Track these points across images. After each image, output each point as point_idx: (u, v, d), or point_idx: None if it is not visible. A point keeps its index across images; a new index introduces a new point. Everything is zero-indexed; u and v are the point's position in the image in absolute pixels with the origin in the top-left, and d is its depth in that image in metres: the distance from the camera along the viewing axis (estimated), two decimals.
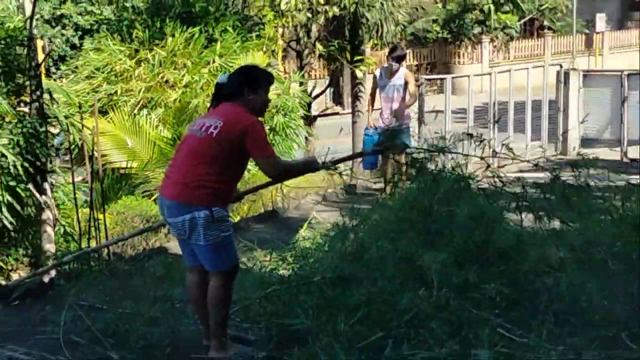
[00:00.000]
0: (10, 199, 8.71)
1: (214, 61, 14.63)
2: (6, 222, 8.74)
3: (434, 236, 5.92)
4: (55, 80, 18.55)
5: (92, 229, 8.73)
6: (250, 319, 5.75)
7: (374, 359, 4.43)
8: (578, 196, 9.04)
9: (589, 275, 6.45)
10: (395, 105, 11.48)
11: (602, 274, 6.56)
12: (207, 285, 5.22)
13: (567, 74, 19.11)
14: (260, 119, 5.21)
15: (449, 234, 5.88)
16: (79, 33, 26.45)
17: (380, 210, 6.80)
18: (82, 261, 7.62)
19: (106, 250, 8.47)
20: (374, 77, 12.09)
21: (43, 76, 9.43)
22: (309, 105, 19.10)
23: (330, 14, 17.59)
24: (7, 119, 8.87)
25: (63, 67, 20.64)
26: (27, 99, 9.07)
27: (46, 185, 9.02)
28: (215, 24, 15.36)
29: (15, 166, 8.53)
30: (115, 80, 14.97)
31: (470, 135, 6.85)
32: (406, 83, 11.57)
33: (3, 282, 8.53)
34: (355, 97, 19.76)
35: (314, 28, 17.90)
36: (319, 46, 18.83)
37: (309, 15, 17.21)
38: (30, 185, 8.87)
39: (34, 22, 9.09)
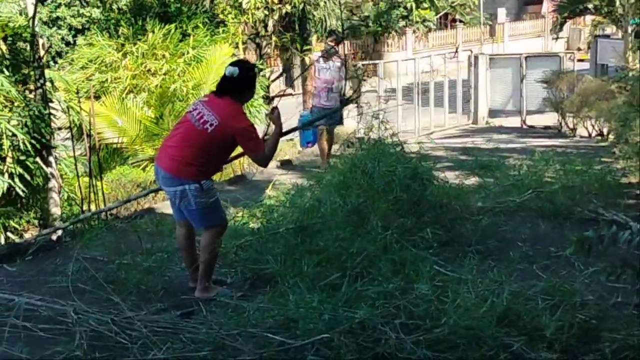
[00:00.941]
0: (21, 170, 8.53)
1: (188, 52, 14.41)
2: (18, 190, 8.55)
3: (376, 192, 5.86)
4: (58, 71, 18.14)
5: (92, 194, 8.59)
6: (227, 265, 5.66)
7: (333, 295, 4.36)
8: (490, 157, 9.12)
9: (504, 220, 6.51)
10: (334, 86, 10.45)
11: (513, 219, 6.62)
12: (193, 237, 5.22)
13: (476, 58, 19.20)
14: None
15: (389, 190, 5.83)
16: (73, 32, 25.89)
17: (331, 172, 6.73)
18: (84, 221, 7.47)
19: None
20: (312, 61, 10.95)
21: (47, 66, 9.18)
22: (268, 87, 18.96)
23: (284, 11, 17.42)
24: (15, 104, 8.62)
25: (60, 61, 20.22)
26: (32, 87, 8.83)
27: (51, 159, 8.81)
28: (188, 22, 15.12)
29: (24, 143, 8.36)
30: (106, 70, 14.71)
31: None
32: (342, 65, 10.48)
33: (18, 240, 8.31)
34: (305, 80, 19.61)
35: (270, 23, 17.69)
36: (274, 38, 18.66)
37: (266, 12, 17.04)
38: (37, 159, 8.67)
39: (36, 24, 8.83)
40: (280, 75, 21.99)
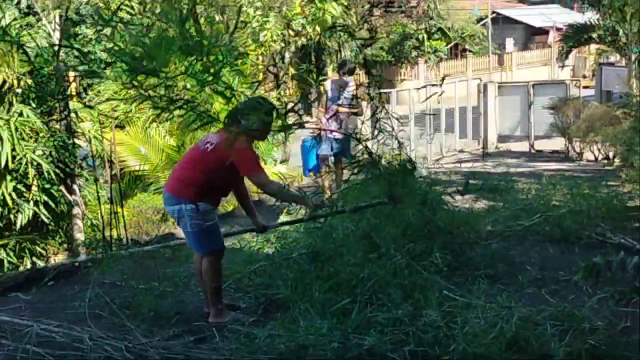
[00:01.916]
0: (46, 198, 8.53)
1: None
2: (43, 217, 8.54)
3: (387, 217, 5.72)
4: (85, 102, 18.25)
5: (113, 220, 8.52)
6: (241, 290, 5.54)
7: (343, 321, 4.21)
8: (499, 181, 8.94)
9: (512, 244, 6.34)
10: (344, 117, 9.80)
11: (522, 243, 6.45)
12: None
13: (485, 86, 19.07)
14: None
15: (400, 215, 5.68)
16: (103, 65, 26.14)
17: (343, 199, 6.59)
18: (105, 246, 7.39)
19: (125, 237, 8.25)
20: (324, 91, 9.93)
21: (71, 98, 9.18)
22: (285, 116, 18.94)
23: (299, 43, 17.46)
24: (41, 135, 8.63)
25: (90, 93, 20.36)
26: (57, 118, 8.85)
27: (75, 187, 8.80)
28: (207, 54, 15.15)
29: (49, 172, 8.35)
30: (130, 101, 14.74)
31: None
32: (354, 96, 9.59)
33: (41, 265, 8.26)
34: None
35: (287, 55, 17.76)
36: (291, 69, 18.70)
37: (282, 44, 17.09)
38: (62, 187, 8.66)
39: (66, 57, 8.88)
40: (297, 103, 21.99)
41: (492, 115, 18.80)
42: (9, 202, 8.24)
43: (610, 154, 14.72)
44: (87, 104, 12.73)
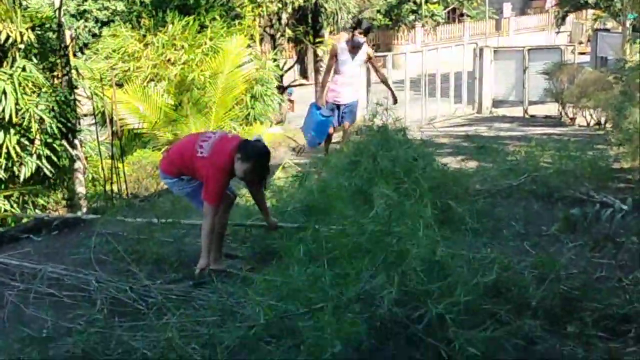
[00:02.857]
0: (48, 152, 8.73)
1: (205, 43, 14.52)
2: (46, 171, 8.74)
3: (379, 174, 5.93)
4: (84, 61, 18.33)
5: (114, 175, 8.74)
6: (239, 240, 5.77)
7: (333, 270, 4.45)
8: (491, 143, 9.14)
9: (499, 201, 6.58)
10: (357, 81, 9.16)
11: (509, 200, 6.69)
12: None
13: (481, 51, 19.17)
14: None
15: (391, 172, 5.89)
16: (99, 24, 26.04)
17: (337, 156, 6.81)
18: (106, 199, 7.61)
19: (125, 191, 8.46)
20: (335, 52, 8.79)
21: (71, 55, 9.35)
22: (281, 77, 19.01)
23: (296, 5, 17.49)
24: (43, 90, 8.79)
25: (87, 52, 20.42)
26: (59, 74, 9.00)
27: (76, 142, 8.99)
28: (205, 14, 15.22)
29: (51, 126, 8.53)
30: (128, 60, 14.87)
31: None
32: (369, 58, 9.03)
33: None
34: (317, 71, 19.68)
35: (284, 16, 17.80)
36: (288, 31, 18.73)
37: (280, 5, 17.13)
38: (64, 142, 8.84)
39: (62, 15, 8.98)
40: (293, 65, 22.06)
41: (488, 80, 18.95)
42: (13, 154, 8.44)
43: (602, 119, 14.93)
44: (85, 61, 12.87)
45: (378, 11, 34.38)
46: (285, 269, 4.55)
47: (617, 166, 8.06)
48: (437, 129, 14.63)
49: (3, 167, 8.56)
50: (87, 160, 9.43)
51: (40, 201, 8.93)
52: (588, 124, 15.78)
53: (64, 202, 9.29)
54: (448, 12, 38.39)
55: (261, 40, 19.07)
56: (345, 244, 4.96)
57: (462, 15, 38.68)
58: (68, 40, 9.13)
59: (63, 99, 8.75)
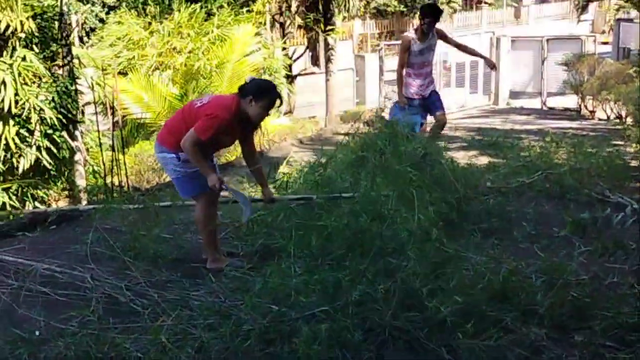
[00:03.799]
0: (48, 143, 8.74)
1: (212, 31, 14.50)
2: (46, 163, 8.76)
3: (384, 170, 5.91)
4: (87, 48, 18.32)
5: (115, 167, 8.75)
6: (240, 237, 5.75)
7: (336, 268, 4.44)
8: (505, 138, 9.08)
9: (510, 200, 6.53)
10: (431, 69, 8.65)
11: (520, 199, 6.64)
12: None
13: (498, 40, 19.07)
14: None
15: (396, 168, 5.86)
16: (106, 9, 26.06)
17: (342, 151, 6.78)
18: (106, 192, 7.62)
19: (126, 184, 8.47)
20: (407, 45, 8.32)
21: (73, 44, 9.36)
22: (290, 66, 18.97)
23: None
24: (44, 80, 8.80)
25: (92, 38, 20.43)
26: (60, 63, 9.01)
27: (77, 133, 9.00)
28: (213, 1, 15.22)
29: (51, 118, 8.54)
30: (133, 47, 14.87)
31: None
32: (443, 37, 8.64)
33: (41, 208, 8.53)
34: (328, 60, 19.60)
35: (294, 3, 17.75)
36: (298, 18, 18.68)
37: None
38: (64, 133, 8.86)
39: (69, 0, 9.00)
40: (303, 53, 21.98)
41: (504, 71, 18.84)
42: (12, 146, 8.47)
43: (623, 113, 14.81)
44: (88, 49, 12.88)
45: None
46: (286, 270, 4.55)
47: (635, 164, 7.98)
48: (451, 120, 14.55)
49: (2, 158, 8.59)
50: (88, 152, 9.46)
51: (40, 193, 8.96)
52: (608, 118, 15.65)
53: (64, 194, 9.32)
54: None
55: (271, 28, 19.03)
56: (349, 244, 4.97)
57: (479, 2, 38.44)
58: (75, 27, 9.15)
59: (64, 89, 8.77)
